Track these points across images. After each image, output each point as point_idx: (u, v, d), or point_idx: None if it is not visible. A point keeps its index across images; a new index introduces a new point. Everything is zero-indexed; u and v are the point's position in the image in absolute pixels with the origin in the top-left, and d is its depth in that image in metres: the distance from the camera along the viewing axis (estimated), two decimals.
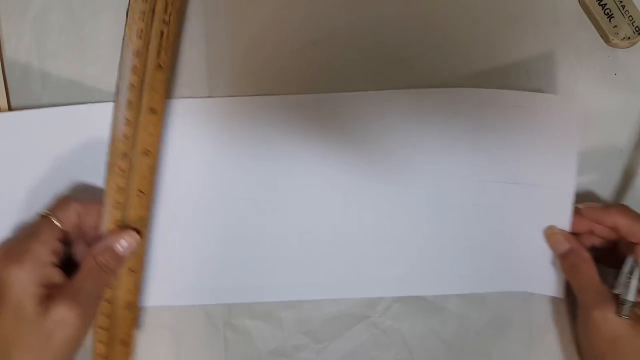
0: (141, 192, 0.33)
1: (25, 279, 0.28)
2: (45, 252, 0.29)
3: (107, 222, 0.32)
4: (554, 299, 0.37)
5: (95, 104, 0.35)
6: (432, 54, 0.36)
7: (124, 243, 0.32)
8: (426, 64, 0.36)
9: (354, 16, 0.36)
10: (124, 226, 0.32)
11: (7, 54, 0.36)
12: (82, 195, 0.35)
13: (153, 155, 0.33)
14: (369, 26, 0.36)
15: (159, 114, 0.32)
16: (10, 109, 0.36)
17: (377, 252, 0.37)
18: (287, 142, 0.36)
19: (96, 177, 0.35)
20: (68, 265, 0.32)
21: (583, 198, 0.36)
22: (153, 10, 0.32)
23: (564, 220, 0.36)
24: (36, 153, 0.35)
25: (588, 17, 0.36)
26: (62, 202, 0.32)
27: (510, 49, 0.36)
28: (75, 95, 0.36)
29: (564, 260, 0.35)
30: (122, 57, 0.32)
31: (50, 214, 0.31)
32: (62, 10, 0.36)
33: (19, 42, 0.36)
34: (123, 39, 0.32)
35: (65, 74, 0.36)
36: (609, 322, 0.31)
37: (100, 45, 0.36)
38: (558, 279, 0.36)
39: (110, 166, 0.32)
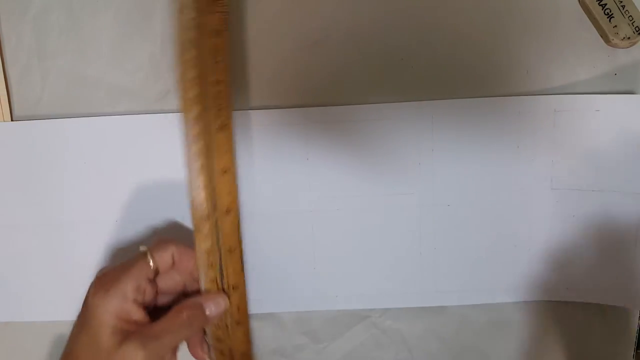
0: (231, 249, 0.33)
1: (106, 309, 0.29)
2: (131, 287, 0.30)
3: (204, 281, 0.32)
4: (552, 300, 0.37)
5: (97, 118, 0.36)
6: (432, 54, 0.36)
7: (213, 306, 0.32)
8: (426, 64, 0.36)
9: (354, 16, 0.36)
10: (217, 291, 0.32)
11: (7, 54, 0.36)
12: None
13: (234, 211, 0.33)
14: (369, 26, 0.36)
15: (231, 172, 0.32)
16: (12, 114, 0.37)
17: (444, 261, 0.37)
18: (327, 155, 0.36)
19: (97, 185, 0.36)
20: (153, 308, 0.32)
21: None
22: (204, 74, 0.31)
23: None
24: (38, 163, 0.36)
25: (588, 17, 0.36)
26: (160, 242, 0.32)
27: (510, 49, 0.36)
28: (75, 95, 0.37)
29: None
30: (184, 125, 0.31)
31: (147, 252, 0.32)
32: (62, 10, 0.36)
33: (19, 42, 0.36)
34: (181, 108, 0.31)
35: (65, 74, 0.36)
36: None
37: (100, 45, 0.36)
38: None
39: (196, 230, 0.32)
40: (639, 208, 0.35)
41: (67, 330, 0.35)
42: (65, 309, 0.37)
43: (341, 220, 0.37)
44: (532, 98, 0.35)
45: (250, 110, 0.36)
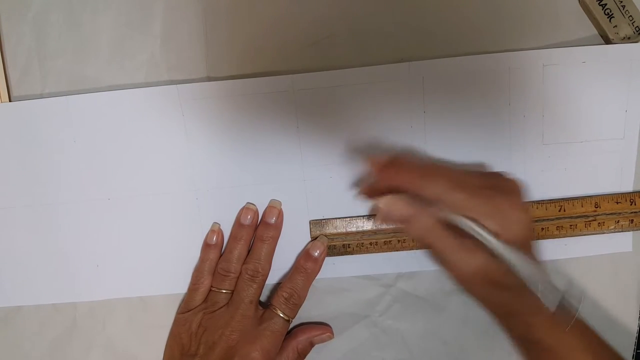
0: None
1: None
2: None
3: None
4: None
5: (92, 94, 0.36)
6: (432, 54, 0.36)
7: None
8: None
9: (354, 16, 0.36)
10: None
11: (7, 53, 0.37)
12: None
13: None
14: (369, 26, 0.36)
15: None
16: (10, 100, 0.37)
17: None
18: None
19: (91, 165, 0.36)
20: None
21: None
22: None
23: (629, 171, 0.37)
24: (34, 143, 0.37)
25: (588, 17, 0.36)
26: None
27: (511, 49, 0.36)
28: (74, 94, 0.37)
29: None
30: None
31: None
32: (62, 10, 0.36)
33: (19, 42, 0.36)
34: None
35: (65, 74, 0.37)
36: None
37: (100, 45, 0.36)
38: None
39: None
40: (621, 152, 0.36)
41: (69, 312, 0.37)
42: (61, 290, 0.37)
43: (334, 188, 0.36)
44: (522, 53, 0.36)
45: (233, 80, 0.36)
